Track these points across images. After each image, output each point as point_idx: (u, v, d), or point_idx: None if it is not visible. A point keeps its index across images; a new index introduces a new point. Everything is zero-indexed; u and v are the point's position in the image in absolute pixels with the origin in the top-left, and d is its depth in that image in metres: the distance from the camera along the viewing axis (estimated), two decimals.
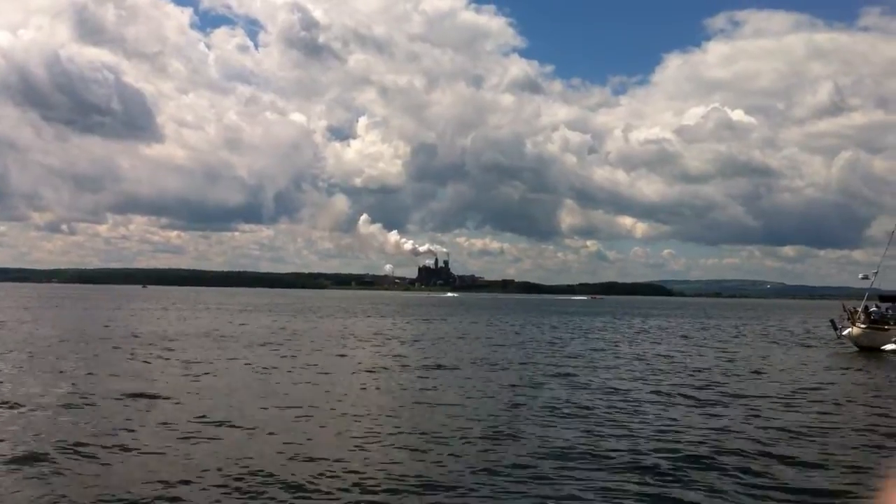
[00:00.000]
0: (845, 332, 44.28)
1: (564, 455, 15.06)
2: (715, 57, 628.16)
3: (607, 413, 19.97)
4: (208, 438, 15.96)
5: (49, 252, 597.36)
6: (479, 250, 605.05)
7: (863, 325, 43.14)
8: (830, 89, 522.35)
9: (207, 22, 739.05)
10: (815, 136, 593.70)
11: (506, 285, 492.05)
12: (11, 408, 18.98)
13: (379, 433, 16.88)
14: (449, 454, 15.00)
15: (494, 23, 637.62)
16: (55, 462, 13.83)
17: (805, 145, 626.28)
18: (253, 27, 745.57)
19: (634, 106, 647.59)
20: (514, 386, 25.22)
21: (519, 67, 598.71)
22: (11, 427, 16.69)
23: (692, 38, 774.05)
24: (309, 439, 16.15)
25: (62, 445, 14.98)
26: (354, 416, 19.04)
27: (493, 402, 21.74)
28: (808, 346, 48.26)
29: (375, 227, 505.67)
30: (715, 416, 19.88)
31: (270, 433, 16.62)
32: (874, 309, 44.36)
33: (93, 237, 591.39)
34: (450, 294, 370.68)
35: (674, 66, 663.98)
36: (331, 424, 17.88)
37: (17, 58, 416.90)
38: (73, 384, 23.17)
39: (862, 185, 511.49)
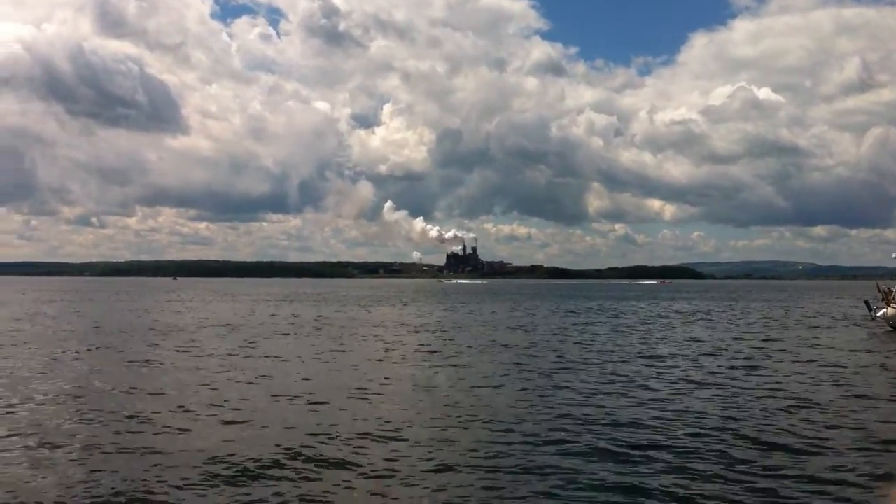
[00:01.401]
0: (880, 313, 43.94)
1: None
2: (741, 35, 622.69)
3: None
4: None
5: (80, 245, 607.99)
6: (506, 236, 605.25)
7: None
8: (858, 65, 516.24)
9: (228, 12, 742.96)
10: (843, 113, 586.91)
11: (534, 271, 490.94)
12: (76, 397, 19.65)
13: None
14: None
15: (517, 5, 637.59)
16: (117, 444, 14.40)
17: (834, 123, 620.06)
18: (274, 16, 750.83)
19: (660, 86, 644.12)
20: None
21: (542, 50, 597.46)
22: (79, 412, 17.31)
23: (717, 16, 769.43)
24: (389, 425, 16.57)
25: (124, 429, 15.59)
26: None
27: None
28: (844, 328, 47.80)
29: (401, 215, 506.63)
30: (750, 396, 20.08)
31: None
32: None
33: (122, 230, 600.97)
34: (479, 281, 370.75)
35: (699, 46, 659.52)
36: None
37: (41, 52, 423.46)
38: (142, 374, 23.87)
39: (893, 162, 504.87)
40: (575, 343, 36.12)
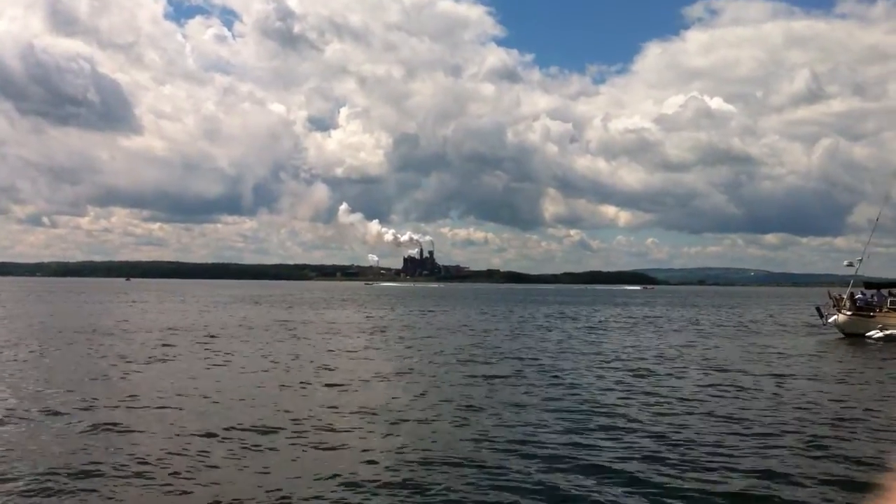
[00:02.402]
0: (831, 320, 45.00)
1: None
2: (694, 45, 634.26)
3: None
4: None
5: (31, 245, 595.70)
6: (462, 240, 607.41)
7: (848, 312, 43.88)
8: (808, 77, 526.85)
9: (182, 12, 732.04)
10: (794, 123, 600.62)
11: (491, 275, 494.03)
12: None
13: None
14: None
15: (473, 11, 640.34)
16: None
17: (785, 133, 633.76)
18: (228, 17, 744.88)
19: (614, 94, 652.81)
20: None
21: (497, 56, 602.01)
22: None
23: (671, 26, 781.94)
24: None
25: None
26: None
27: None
28: (794, 334, 48.80)
29: (356, 217, 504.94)
30: (702, 401, 20.43)
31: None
32: (860, 296, 45.11)
33: (74, 230, 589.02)
34: (435, 284, 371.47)
35: (653, 55, 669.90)
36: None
37: None
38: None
39: (842, 172, 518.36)
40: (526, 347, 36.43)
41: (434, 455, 14.23)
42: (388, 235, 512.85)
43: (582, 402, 20.07)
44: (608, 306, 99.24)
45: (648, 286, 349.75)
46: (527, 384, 23.40)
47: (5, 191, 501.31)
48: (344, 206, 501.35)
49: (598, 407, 19.44)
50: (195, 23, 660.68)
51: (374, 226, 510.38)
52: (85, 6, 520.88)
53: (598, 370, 27.37)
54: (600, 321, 61.69)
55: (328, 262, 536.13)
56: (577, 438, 15.77)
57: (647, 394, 21.73)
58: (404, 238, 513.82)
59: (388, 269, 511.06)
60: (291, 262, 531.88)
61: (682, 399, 20.86)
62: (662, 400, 20.67)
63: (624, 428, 16.86)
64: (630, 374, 26.33)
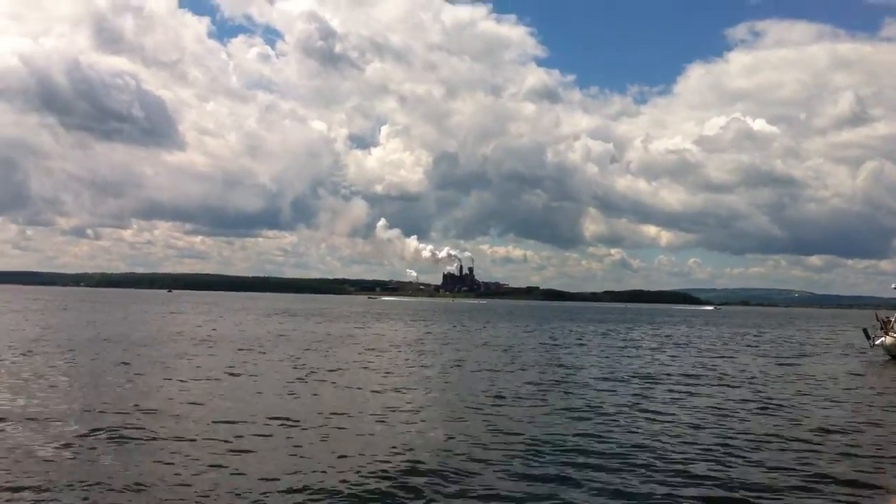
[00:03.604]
0: (878, 342, 44.57)
1: None
2: (737, 67, 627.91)
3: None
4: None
5: (75, 256, 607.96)
6: (502, 258, 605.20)
7: None
8: (852, 100, 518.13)
9: (225, 31, 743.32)
10: (838, 146, 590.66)
11: (530, 292, 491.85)
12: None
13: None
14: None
15: (514, 32, 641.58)
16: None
17: (829, 155, 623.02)
18: (271, 36, 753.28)
19: (656, 115, 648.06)
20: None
21: (538, 77, 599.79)
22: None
23: (714, 48, 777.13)
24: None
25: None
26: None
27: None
28: (843, 355, 48.27)
29: (394, 233, 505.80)
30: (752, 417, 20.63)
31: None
32: None
33: (118, 242, 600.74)
34: (474, 301, 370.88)
35: (696, 76, 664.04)
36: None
37: (38, 65, 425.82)
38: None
39: (887, 195, 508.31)
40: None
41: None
42: (426, 252, 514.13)
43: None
44: (708, 326, 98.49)
45: (718, 306, 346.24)
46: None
47: (51, 203, 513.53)
48: (382, 223, 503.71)
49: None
50: (238, 41, 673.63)
51: (412, 242, 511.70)
52: (130, 25, 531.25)
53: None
54: (725, 343, 61.55)
55: (367, 277, 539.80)
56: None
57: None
58: (442, 254, 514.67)
59: (427, 285, 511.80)
60: (331, 277, 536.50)
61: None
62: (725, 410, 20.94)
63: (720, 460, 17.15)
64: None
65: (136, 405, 20.05)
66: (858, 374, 35.58)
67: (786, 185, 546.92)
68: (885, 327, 44.17)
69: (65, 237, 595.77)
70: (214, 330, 56.73)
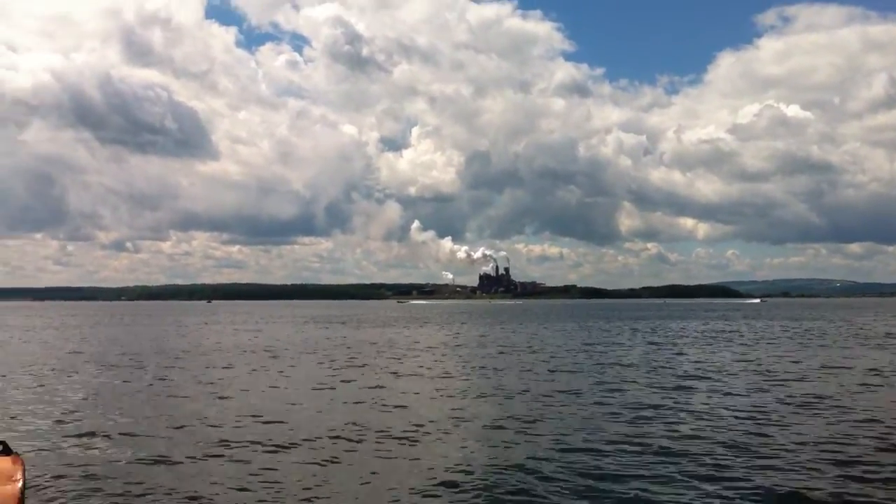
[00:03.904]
0: None
1: None
2: (768, 53, 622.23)
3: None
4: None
5: (116, 270, 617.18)
6: (538, 256, 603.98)
7: None
8: (886, 81, 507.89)
9: (252, 40, 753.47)
10: (874, 129, 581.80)
11: (568, 291, 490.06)
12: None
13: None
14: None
15: (541, 28, 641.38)
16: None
17: (865, 139, 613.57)
18: (298, 42, 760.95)
19: (687, 105, 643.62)
20: None
21: (566, 71, 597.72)
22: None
23: (744, 35, 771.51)
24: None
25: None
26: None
27: None
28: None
29: (428, 235, 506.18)
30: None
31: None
32: None
33: (157, 254, 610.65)
34: (511, 301, 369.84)
35: (726, 65, 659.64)
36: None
37: (70, 80, 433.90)
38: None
39: None
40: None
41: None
42: (461, 253, 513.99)
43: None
44: (772, 320, 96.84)
45: (764, 299, 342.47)
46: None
47: (89, 218, 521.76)
48: (416, 225, 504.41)
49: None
50: (266, 49, 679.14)
51: (447, 243, 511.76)
52: (159, 37, 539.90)
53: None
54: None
55: (404, 280, 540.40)
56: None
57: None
58: (477, 255, 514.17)
59: (464, 287, 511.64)
60: (367, 282, 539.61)
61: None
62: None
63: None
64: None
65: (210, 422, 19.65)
66: None
67: (823, 171, 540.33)
68: None
69: (104, 251, 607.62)
70: (256, 338, 56.69)
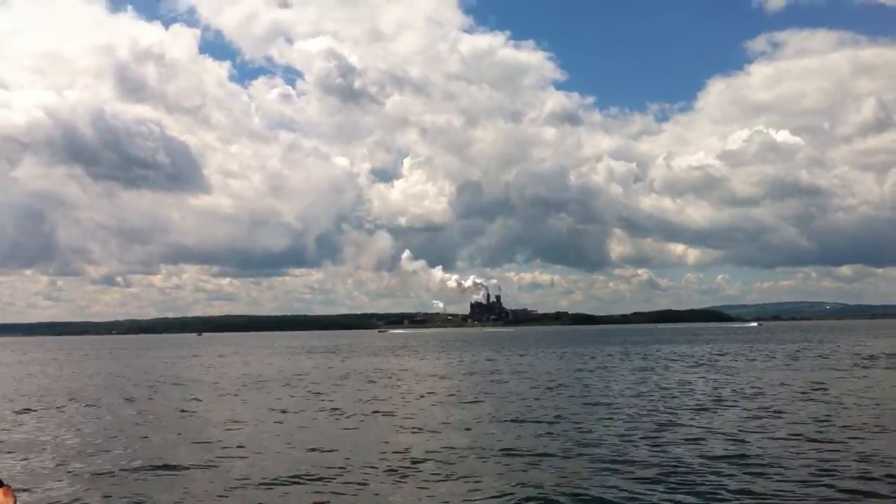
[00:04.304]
0: None
1: None
2: (758, 79, 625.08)
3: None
4: None
5: (106, 304, 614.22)
6: (529, 284, 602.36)
7: None
8: (875, 105, 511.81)
9: (245, 74, 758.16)
10: (864, 153, 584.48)
11: (559, 317, 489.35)
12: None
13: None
14: None
15: (533, 57, 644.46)
16: None
17: (854, 163, 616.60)
18: (291, 76, 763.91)
19: (677, 132, 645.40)
20: None
21: (557, 100, 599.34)
22: None
23: (734, 61, 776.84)
24: None
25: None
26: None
27: None
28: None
29: (419, 265, 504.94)
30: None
31: None
32: None
33: (147, 288, 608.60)
34: (503, 329, 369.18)
35: (716, 91, 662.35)
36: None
37: (63, 117, 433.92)
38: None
39: None
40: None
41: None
42: (452, 282, 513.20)
43: None
44: (770, 343, 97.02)
45: (762, 322, 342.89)
46: None
47: (80, 253, 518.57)
48: (406, 254, 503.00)
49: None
50: (259, 83, 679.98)
51: (437, 272, 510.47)
52: (152, 73, 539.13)
53: None
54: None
55: (395, 310, 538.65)
56: None
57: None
58: (468, 283, 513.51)
59: (455, 315, 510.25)
60: (359, 312, 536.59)
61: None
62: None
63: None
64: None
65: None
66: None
67: (812, 195, 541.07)
68: None
69: (95, 286, 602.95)
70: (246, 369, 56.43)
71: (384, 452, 19.11)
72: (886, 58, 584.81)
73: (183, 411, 29.64)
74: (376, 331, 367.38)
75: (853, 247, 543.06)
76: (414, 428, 23.56)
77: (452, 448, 19.53)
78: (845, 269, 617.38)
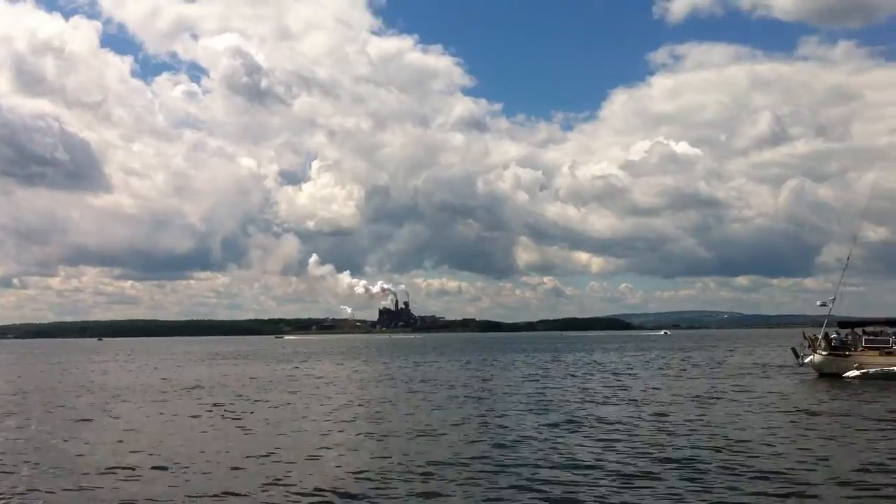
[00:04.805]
0: (807, 360, 45.65)
1: None
2: (659, 91, 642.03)
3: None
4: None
5: (1, 307, 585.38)
6: (437, 290, 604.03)
7: (824, 352, 44.59)
8: (770, 119, 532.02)
9: (148, 69, 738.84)
10: (759, 165, 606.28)
11: (467, 324, 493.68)
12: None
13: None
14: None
15: (441, 62, 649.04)
16: None
17: (751, 175, 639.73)
18: (195, 73, 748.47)
19: (582, 141, 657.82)
20: None
21: (465, 106, 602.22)
22: None
23: (637, 72, 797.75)
24: None
25: None
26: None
27: None
28: (775, 375, 49.01)
29: (326, 269, 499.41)
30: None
31: None
32: (834, 336, 45.87)
33: (45, 290, 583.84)
34: (412, 335, 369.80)
35: (619, 102, 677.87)
36: None
37: None
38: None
39: (809, 213, 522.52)
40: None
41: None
42: (360, 287, 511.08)
43: None
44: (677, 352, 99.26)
45: (668, 331, 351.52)
46: None
47: None
48: (314, 259, 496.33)
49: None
50: (162, 79, 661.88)
51: (345, 277, 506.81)
52: (51, 66, 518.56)
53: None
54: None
55: (303, 315, 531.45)
56: None
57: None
58: (376, 289, 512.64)
59: (364, 321, 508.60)
60: (266, 317, 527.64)
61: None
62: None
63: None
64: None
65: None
66: (790, 394, 36.12)
67: (710, 206, 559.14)
68: (813, 345, 45.37)
69: None
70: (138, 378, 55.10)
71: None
72: (780, 72, 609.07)
73: (84, 420, 28.82)
74: (272, 337, 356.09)
75: (749, 258, 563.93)
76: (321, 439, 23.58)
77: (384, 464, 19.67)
78: (742, 280, 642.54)
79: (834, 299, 46.16)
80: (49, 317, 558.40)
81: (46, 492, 16.14)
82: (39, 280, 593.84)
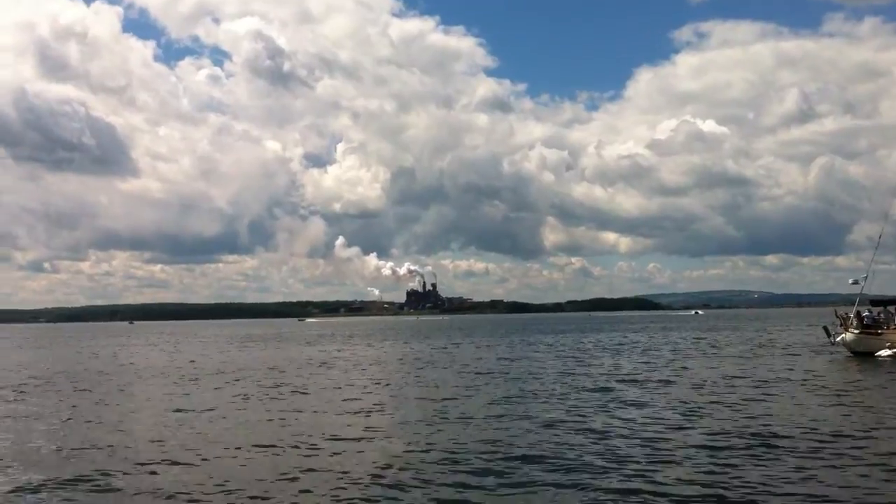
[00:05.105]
0: (839, 339, 45.37)
1: None
2: (684, 69, 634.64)
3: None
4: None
5: (33, 291, 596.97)
6: (464, 272, 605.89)
7: (856, 331, 44.29)
8: (798, 97, 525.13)
9: (171, 54, 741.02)
10: (788, 143, 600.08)
11: (495, 306, 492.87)
12: None
13: None
14: None
15: (464, 43, 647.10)
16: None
17: (779, 153, 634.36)
18: (219, 57, 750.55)
19: (607, 121, 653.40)
20: None
21: (488, 87, 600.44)
22: None
23: (661, 51, 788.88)
24: None
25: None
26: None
27: None
28: (809, 355, 48.67)
29: (353, 252, 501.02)
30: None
31: None
32: (867, 314, 45.51)
33: (76, 275, 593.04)
34: (440, 317, 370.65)
35: (644, 81, 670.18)
36: None
37: None
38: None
39: (839, 190, 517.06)
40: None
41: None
42: (387, 269, 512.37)
43: None
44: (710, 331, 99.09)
45: (699, 311, 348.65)
46: None
47: (5, 238, 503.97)
48: (340, 241, 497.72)
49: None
50: (186, 64, 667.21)
51: (372, 260, 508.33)
52: (75, 51, 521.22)
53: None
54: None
55: (331, 298, 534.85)
56: None
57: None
58: (403, 271, 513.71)
59: (392, 303, 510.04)
60: (294, 300, 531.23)
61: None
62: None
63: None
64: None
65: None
66: (820, 374, 36.05)
67: (739, 185, 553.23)
68: (845, 324, 45.09)
69: (21, 272, 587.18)
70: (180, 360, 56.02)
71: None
72: (806, 49, 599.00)
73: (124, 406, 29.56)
74: (296, 320, 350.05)
75: (779, 236, 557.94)
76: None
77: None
78: (772, 258, 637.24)
79: (866, 277, 45.77)
80: (80, 300, 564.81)
81: (102, 473, 16.63)
82: (70, 264, 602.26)
